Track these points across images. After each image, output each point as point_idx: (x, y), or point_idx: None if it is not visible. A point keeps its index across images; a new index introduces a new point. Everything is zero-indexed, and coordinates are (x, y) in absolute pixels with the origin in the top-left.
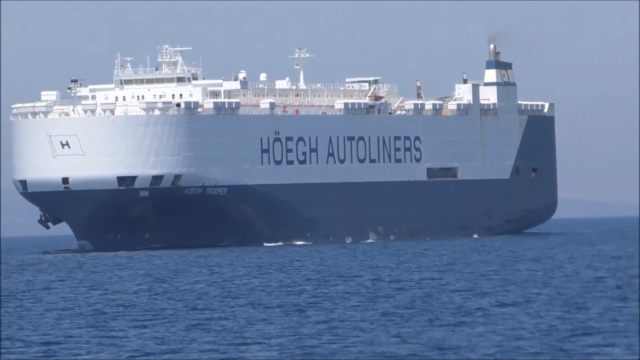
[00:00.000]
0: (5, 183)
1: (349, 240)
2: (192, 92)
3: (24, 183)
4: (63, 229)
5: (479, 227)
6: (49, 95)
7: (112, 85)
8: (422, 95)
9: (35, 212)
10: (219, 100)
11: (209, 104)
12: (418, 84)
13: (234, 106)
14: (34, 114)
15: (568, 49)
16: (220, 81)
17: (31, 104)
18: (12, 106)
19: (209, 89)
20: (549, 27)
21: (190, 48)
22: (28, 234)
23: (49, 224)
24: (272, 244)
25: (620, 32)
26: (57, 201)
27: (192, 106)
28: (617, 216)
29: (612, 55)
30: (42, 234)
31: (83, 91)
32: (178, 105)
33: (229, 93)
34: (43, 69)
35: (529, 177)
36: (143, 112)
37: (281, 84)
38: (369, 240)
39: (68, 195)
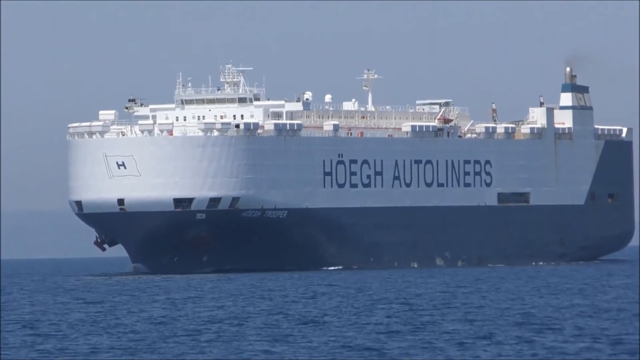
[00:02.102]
0: (61, 204)
1: (414, 265)
2: (253, 113)
3: (79, 204)
4: (120, 251)
5: (551, 254)
6: (107, 115)
7: (173, 105)
8: (497, 118)
9: (91, 233)
10: (280, 121)
11: (269, 125)
12: (493, 106)
13: (295, 128)
14: (90, 134)
15: None
16: (282, 102)
17: (88, 124)
18: (69, 125)
19: (271, 110)
20: (628, 50)
21: (251, 68)
22: (84, 255)
23: (105, 245)
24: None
25: None
26: (112, 223)
27: (252, 127)
28: None
29: None
30: (97, 256)
31: (143, 111)
32: (237, 126)
33: (291, 114)
34: (103, 88)
35: (605, 203)
36: (201, 133)
37: (348, 106)
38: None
39: (123, 217)
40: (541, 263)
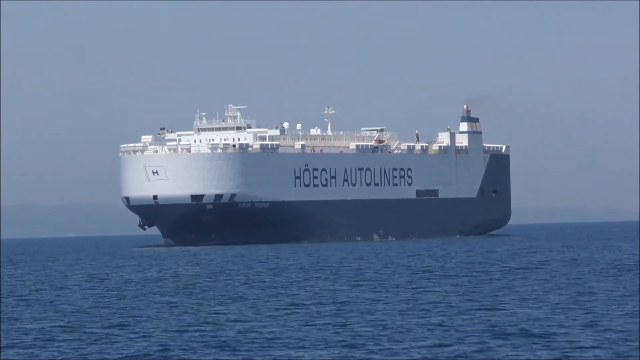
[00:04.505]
0: (114, 200)
1: (358, 239)
2: (246, 137)
3: (127, 199)
4: (154, 230)
5: (454, 231)
6: (146, 138)
7: (192, 132)
8: (419, 140)
9: (135, 219)
10: (264, 142)
11: (256, 145)
12: (417, 132)
13: (275, 147)
14: (135, 151)
15: (523, 105)
16: (266, 129)
17: (132, 145)
18: (120, 146)
19: (258, 134)
20: (509, 92)
21: (245, 106)
22: (129, 233)
23: (146, 227)
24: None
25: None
26: (149, 212)
27: (244, 147)
28: (562, 222)
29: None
30: (138, 234)
31: (171, 136)
32: (234, 146)
33: (272, 137)
34: (144, 118)
35: (490, 196)
36: (209, 151)
37: (313, 131)
38: (376, 240)
39: (157, 207)
40: (458, 237)
